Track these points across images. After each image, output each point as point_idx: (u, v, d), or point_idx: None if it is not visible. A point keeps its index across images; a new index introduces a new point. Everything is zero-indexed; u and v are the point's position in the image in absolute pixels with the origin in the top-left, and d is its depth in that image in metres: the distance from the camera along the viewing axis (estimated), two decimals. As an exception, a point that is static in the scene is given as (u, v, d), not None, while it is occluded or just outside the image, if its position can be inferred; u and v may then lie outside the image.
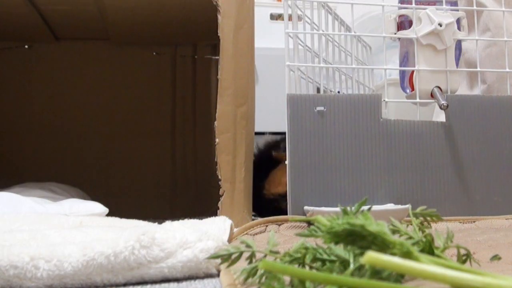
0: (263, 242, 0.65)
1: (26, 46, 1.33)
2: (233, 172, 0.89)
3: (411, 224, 0.48)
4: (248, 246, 0.44)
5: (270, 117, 1.38)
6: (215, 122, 0.87)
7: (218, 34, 0.87)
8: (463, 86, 1.20)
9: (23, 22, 1.16)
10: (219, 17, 0.86)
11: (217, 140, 0.86)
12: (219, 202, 0.86)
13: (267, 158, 1.02)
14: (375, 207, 0.78)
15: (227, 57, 0.88)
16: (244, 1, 0.91)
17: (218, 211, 0.86)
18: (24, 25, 1.18)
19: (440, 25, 0.86)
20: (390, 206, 0.81)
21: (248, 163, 0.94)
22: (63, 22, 1.20)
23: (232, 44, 0.88)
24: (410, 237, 0.43)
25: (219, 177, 0.87)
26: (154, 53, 1.38)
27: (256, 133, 1.07)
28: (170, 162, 1.36)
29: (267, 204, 0.97)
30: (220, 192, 0.86)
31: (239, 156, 0.90)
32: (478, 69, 0.95)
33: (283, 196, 0.91)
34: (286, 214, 0.82)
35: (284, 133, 1.01)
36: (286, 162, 0.82)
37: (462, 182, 0.86)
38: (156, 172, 1.35)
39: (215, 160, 0.87)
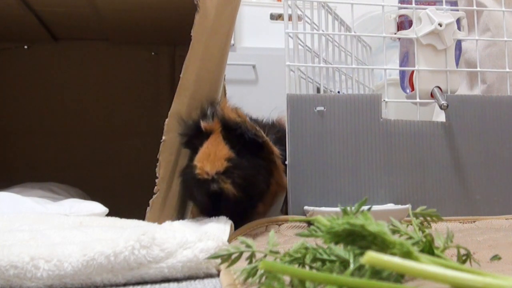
0: (263, 242, 0.65)
1: (26, 47, 1.33)
2: (173, 173, 0.85)
3: (411, 224, 0.48)
4: (248, 246, 0.44)
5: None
6: (166, 120, 0.84)
7: (191, 34, 0.83)
8: (463, 86, 1.20)
9: (20, 23, 1.16)
10: (196, 16, 0.83)
11: (164, 137, 0.83)
12: (151, 200, 0.82)
13: (195, 132, 0.82)
14: (375, 207, 0.78)
15: (194, 58, 0.85)
16: (226, 8, 0.89)
17: (147, 209, 0.82)
18: (21, 26, 1.18)
19: (440, 25, 0.86)
20: (390, 206, 0.81)
21: None
22: (61, 23, 1.21)
23: (203, 46, 0.85)
24: (410, 237, 0.43)
25: (157, 174, 0.83)
26: (153, 53, 1.38)
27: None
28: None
29: (200, 187, 0.77)
30: (155, 190, 0.83)
31: (182, 159, 0.86)
32: (478, 69, 0.95)
33: (223, 173, 0.76)
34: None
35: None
36: (287, 162, 0.82)
37: (462, 182, 0.86)
38: (155, 171, 1.35)
39: (157, 157, 0.83)
